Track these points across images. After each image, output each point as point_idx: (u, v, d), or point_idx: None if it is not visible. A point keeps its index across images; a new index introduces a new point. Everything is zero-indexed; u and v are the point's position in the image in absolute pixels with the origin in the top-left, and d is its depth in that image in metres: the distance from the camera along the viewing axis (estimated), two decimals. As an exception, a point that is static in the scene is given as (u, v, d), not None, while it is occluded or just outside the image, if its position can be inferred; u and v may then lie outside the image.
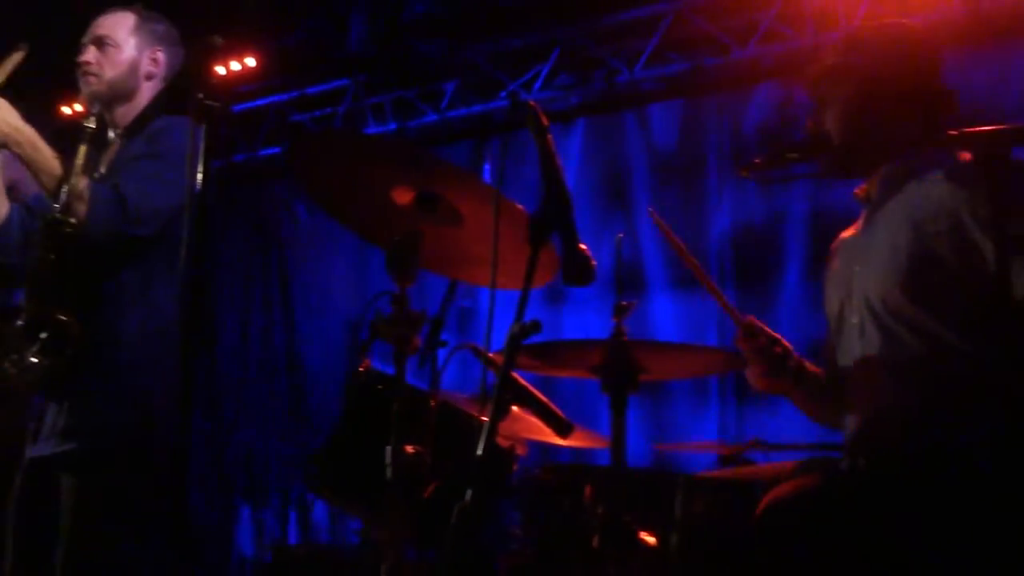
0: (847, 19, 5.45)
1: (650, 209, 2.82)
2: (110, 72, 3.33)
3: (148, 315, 3.08)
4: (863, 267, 2.52)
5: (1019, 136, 2.05)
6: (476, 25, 6.33)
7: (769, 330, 2.68)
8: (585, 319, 6.01)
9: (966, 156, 2.44)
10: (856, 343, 2.49)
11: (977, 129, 2.06)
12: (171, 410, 2.96)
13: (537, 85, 6.39)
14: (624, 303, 2.50)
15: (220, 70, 6.79)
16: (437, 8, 6.34)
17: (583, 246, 2.15)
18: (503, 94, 6.48)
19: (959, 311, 2.32)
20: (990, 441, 2.16)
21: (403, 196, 2.60)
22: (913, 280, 2.36)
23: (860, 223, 2.66)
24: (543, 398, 2.62)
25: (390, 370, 2.67)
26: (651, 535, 2.42)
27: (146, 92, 3.39)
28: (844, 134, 2.55)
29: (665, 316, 5.94)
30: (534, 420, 2.84)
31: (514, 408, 3.00)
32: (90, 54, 3.34)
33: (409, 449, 2.52)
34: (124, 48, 3.36)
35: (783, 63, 5.74)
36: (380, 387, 2.78)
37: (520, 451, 2.94)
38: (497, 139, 6.42)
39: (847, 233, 2.73)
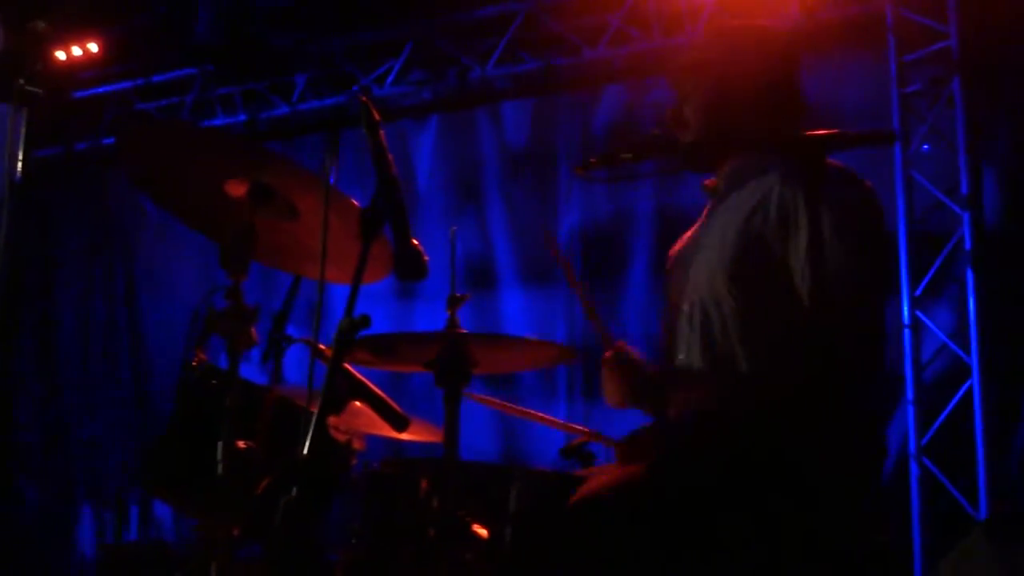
0: (692, 23, 5.62)
1: (546, 230, 2.83)
2: None
3: None
4: (697, 256, 2.59)
5: (835, 141, 2.15)
6: (328, 18, 6.27)
7: (638, 358, 2.72)
8: (436, 314, 6.01)
9: (792, 159, 2.52)
10: (685, 330, 2.56)
11: (797, 134, 2.16)
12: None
13: (390, 80, 6.37)
14: (458, 296, 2.52)
15: (60, 55, 6.58)
16: (289, -1, 6.27)
17: (415, 242, 2.16)
18: (355, 88, 6.44)
19: (778, 303, 2.41)
20: (796, 441, 2.26)
21: (236, 189, 2.57)
22: (736, 268, 2.44)
23: (704, 215, 2.73)
24: (379, 392, 2.62)
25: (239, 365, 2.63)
26: (484, 528, 2.44)
27: None
28: (701, 127, 2.61)
29: (515, 310, 6.01)
30: (374, 414, 2.84)
31: (357, 403, 2.99)
32: None
33: (241, 444, 2.49)
34: None
35: (631, 64, 5.88)
36: (214, 382, 2.74)
37: (357, 445, 2.93)
38: (348, 133, 6.35)
39: (694, 225, 2.79)
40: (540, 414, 3.09)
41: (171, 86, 6.94)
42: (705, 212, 2.74)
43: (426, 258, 2.19)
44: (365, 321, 2.09)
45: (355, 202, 2.54)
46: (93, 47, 6.65)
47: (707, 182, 2.74)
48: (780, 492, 2.22)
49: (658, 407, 2.66)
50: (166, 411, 6.79)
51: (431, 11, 6.19)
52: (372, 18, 6.29)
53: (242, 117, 6.79)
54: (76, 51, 6.67)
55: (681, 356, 2.60)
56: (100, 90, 7.03)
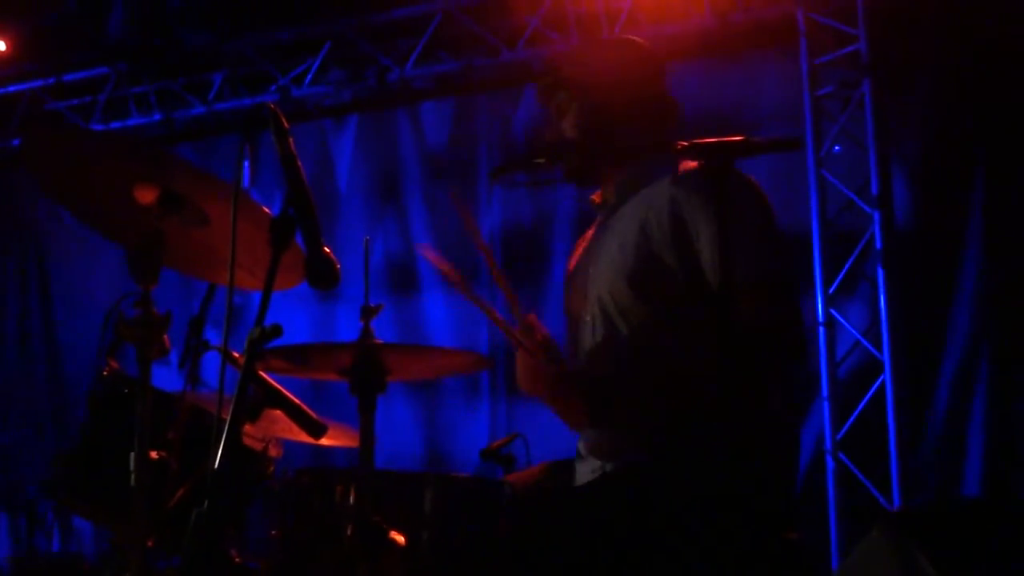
0: (609, 24, 5.66)
1: (453, 193, 2.81)
2: None
3: None
4: (595, 267, 2.62)
5: (742, 148, 2.19)
6: (245, 16, 6.19)
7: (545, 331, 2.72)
8: (358, 319, 5.98)
9: (688, 164, 2.57)
10: (589, 341, 2.59)
11: (704, 141, 2.18)
12: None
13: (308, 79, 6.32)
14: (372, 306, 2.51)
15: (-33, 52, 6.40)
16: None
17: (327, 249, 2.15)
18: (273, 88, 6.37)
19: (674, 305, 2.45)
20: (703, 442, 2.29)
21: (145, 195, 2.53)
22: (637, 276, 2.48)
23: (595, 228, 2.76)
24: (294, 399, 2.60)
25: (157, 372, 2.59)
26: (401, 534, 2.44)
27: None
28: (578, 142, 2.64)
29: (437, 313, 6.00)
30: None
31: (271, 410, 2.96)
32: None
33: (153, 455, 2.45)
34: None
35: (551, 64, 5.88)
36: (125, 390, 2.69)
37: (274, 452, 2.91)
38: (263, 135, 6.28)
39: (583, 241, 2.82)
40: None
41: (84, 85, 6.79)
42: (596, 225, 2.76)
43: (338, 265, 2.18)
44: (276, 330, 2.07)
45: (266, 209, 2.52)
46: (1, 45, 6.49)
47: (594, 196, 2.78)
48: (696, 492, 2.25)
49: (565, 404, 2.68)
50: (82, 418, 6.67)
51: (349, 10, 6.15)
52: (290, 17, 6.23)
53: (157, 117, 6.66)
54: (-16, 48, 6.50)
55: (583, 362, 2.63)
56: (9, 89, 6.85)
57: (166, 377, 3.02)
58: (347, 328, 6.06)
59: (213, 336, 3.04)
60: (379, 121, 6.41)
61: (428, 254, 2.82)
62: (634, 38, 2.84)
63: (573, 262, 2.82)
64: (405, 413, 5.77)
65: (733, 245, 2.24)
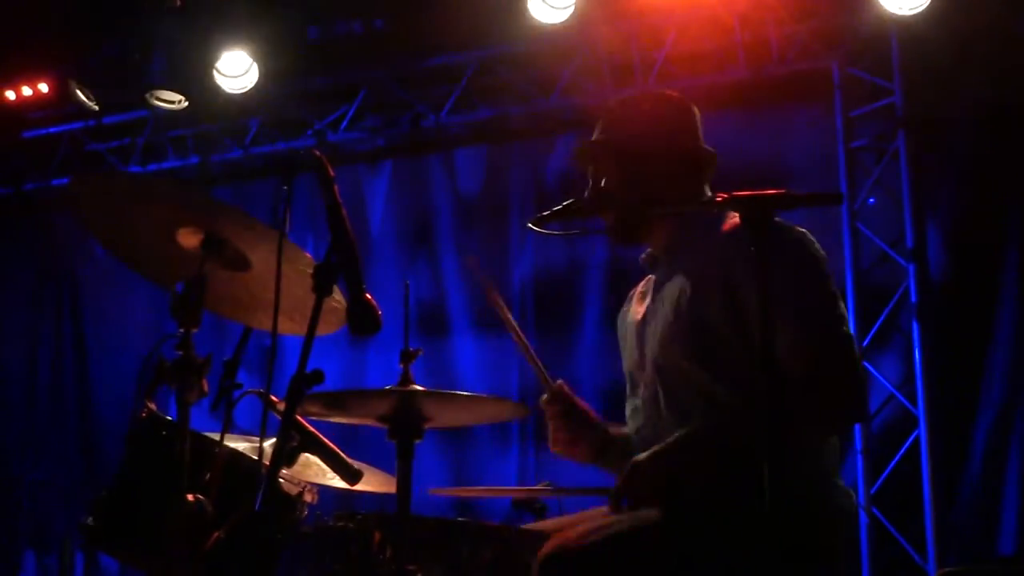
0: (643, 75, 5.70)
1: (470, 258, 2.85)
2: None
3: None
4: (651, 330, 2.62)
5: (781, 201, 2.19)
6: (283, 62, 6.27)
7: (578, 400, 2.73)
8: (390, 363, 5.97)
9: (735, 219, 2.57)
10: (647, 403, 2.59)
11: (744, 193, 2.18)
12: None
13: (343, 125, 6.38)
14: (412, 350, 2.52)
15: (10, 95, 6.51)
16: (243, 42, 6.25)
17: (369, 296, 2.16)
18: (309, 132, 6.44)
19: (732, 370, 2.43)
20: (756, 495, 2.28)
21: (189, 239, 2.55)
22: (692, 342, 2.47)
23: (649, 288, 2.76)
24: (331, 445, 2.60)
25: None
26: (437, 582, 2.43)
27: None
28: (618, 197, 2.65)
29: (467, 359, 6.00)
30: (327, 466, 2.82)
31: (306, 454, 2.96)
32: None
33: (191, 497, 2.46)
34: None
35: (584, 115, 5.93)
36: (163, 433, 2.70)
37: (309, 498, 2.90)
38: (300, 179, 6.34)
39: (638, 299, 2.80)
40: (502, 489, 3.05)
41: (123, 127, 6.89)
42: (652, 283, 2.76)
43: (379, 312, 2.19)
44: (318, 376, 2.09)
45: (309, 255, 2.54)
46: (44, 87, 6.60)
47: (643, 257, 2.78)
48: (757, 540, 2.23)
49: (601, 458, 2.68)
50: (112, 459, 6.70)
51: (385, 58, 6.22)
52: (327, 64, 6.31)
53: (194, 160, 6.75)
54: (26, 91, 6.61)
55: (646, 429, 2.61)
56: (51, 130, 6.95)
57: (197, 419, 3.02)
58: (377, 373, 6.08)
59: (243, 379, 3.05)
60: (413, 167, 6.47)
61: (472, 265, 2.82)
62: (669, 92, 2.85)
63: (633, 320, 2.80)
64: (433, 459, 5.76)
65: (785, 303, 2.23)
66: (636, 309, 2.77)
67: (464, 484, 5.70)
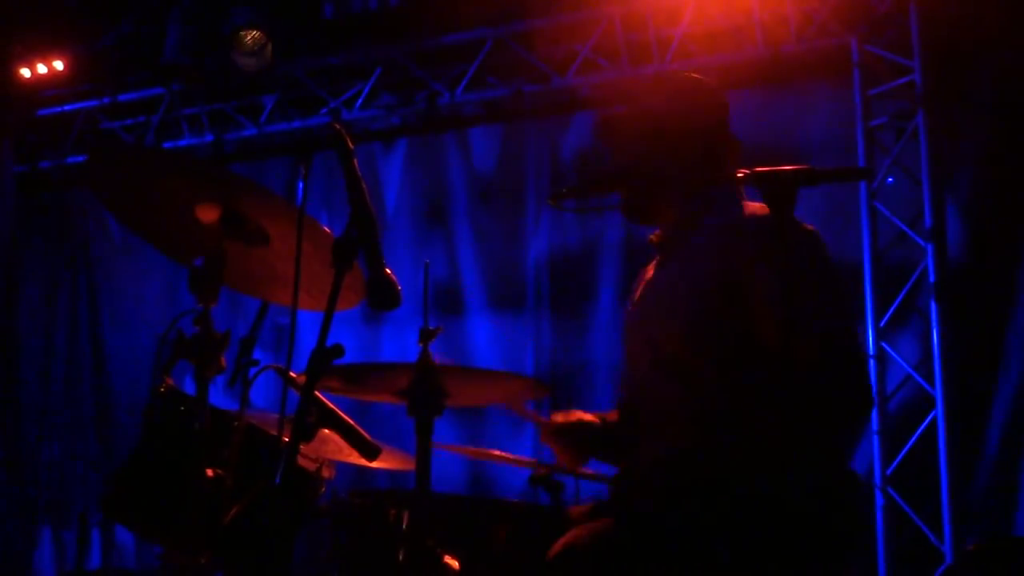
0: (660, 53, 5.66)
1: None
2: None
3: None
4: (650, 310, 2.61)
5: (807, 177, 2.16)
6: (297, 40, 6.26)
7: (571, 418, 2.75)
8: (403, 341, 6.01)
9: (749, 208, 2.55)
10: (644, 386, 2.58)
11: (768, 169, 2.16)
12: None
13: (358, 103, 6.36)
14: (431, 328, 2.50)
15: (25, 72, 6.51)
16: (258, 20, 6.23)
17: (388, 271, 2.15)
18: (324, 111, 6.43)
19: (723, 358, 2.42)
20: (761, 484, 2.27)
21: (208, 214, 2.54)
22: (689, 325, 2.45)
23: (654, 267, 2.74)
24: (350, 421, 2.60)
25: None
26: (455, 559, 2.42)
27: None
28: (637, 177, 2.63)
29: (482, 337, 6.00)
30: (344, 442, 2.81)
31: (323, 430, 2.96)
32: None
33: (209, 472, 2.46)
34: None
35: (600, 93, 5.91)
36: (181, 408, 2.70)
37: (327, 473, 2.90)
38: (316, 156, 6.34)
39: (643, 279, 2.80)
40: (508, 456, 3.10)
41: (138, 105, 6.89)
42: (656, 263, 2.74)
43: (399, 287, 2.17)
44: (338, 350, 2.08)
45: (327, 230, 2.52)
46: (59, 65, 6.60)
47: (652, 236, 2.76)
48: (763, 534, 2.22)
49: (615, 457, 2.70)
50: (128, 436, 6.74)
51: (400, 36, 6.20)
52: (341, 41, 6.29)
53: (209, 138, 6.74)
54: (41, 68, 6.61)
55: (646, 409, 2.61)
56: (66, 108, 6.95)
57: (212, 396, 3.03)
58: (391, 350, 6.08)
59: (256, 356, 3.04)
60: (428, 145, 6.44)
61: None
62: (698, 75, 2.82)
63: (633, 300, 2.80)
64: (448, 436, 5.76)
65: (794, 297, 2.21)
66: (639, 290, 2.76)
67: (480, 463, 5.70)
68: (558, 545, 2.27)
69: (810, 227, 2.46)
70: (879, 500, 4.95)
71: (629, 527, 2.30)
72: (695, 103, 2.69)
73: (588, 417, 2.78)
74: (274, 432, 2.75)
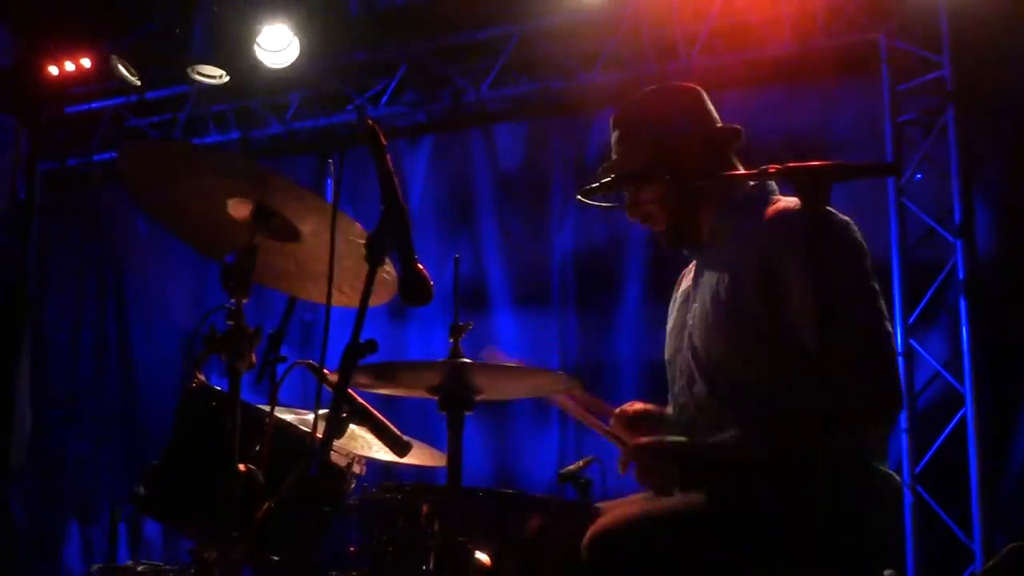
0: (686, 49, 5.64)
1: (563, 398, 2.86)
2: None
3: None
4: (691, 321, 2.62)
5: (838, 173, 2.15)
6: (323, 37, 6.27)
7: (638, 408, 2.72)
8: (429, 337, 6.01)
9: (779, 205, 2.55)
10: (685, 390, 2.59)
11: (799, 164, 2.15)
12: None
13: (384, 100, 6.37)
14: (461, 324, 2.51)
15: (53, 70, 6.55)
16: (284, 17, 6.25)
17: (421, 266, 2.15)
18: (349, 108, 6.44)
19: (768, 360, 2.41)
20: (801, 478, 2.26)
21: (239, 210, 2.55)
22: (729, 332, 2.46)
23: (693, 273, 2.75)
24: (381, 417, 2.61)
25: (226, 386, 2.61)
26: (486, 554, 2.42)
27: None
28: (662, 171, 2.63)
29: (508, 334, 5.99)
30: (372, 438, 2.82)
31: (352, 426, 2.97)
32: None
33: (242, 467, 2.47)
34: None
35: (626, 89, 5.88)
36: (213, 403, 2.71)
37: (357, 469, 2.91)
38: (337, 154, 6.36)
39: (683, 284, 2.80)
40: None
41: (164, 103, 6.92)
42: (695, 267, 2.75)
43: (431, 283, 2.18)
44: (372, 346, 2.08)
45: (359, 225, 2.53)
46: (86, 63, 6.64)
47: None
48: (788, 529, 2.21)
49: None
50: (153, 431, 6.77)
51: (426, 33, 6.20)
52: (367, 38, 6.29)
53: (235, 135, 6.77)
54: (69, 66, 6.65)
55: (684, 415, 2.61)
56: (92, 106, 6.99)
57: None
58: (416, 348, 6.09)
59: (284, 351, 3.05)
60: (453, 142, 6.44)
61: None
62: (671, 83, 2.85)
63: (673, 309, 2.81)
64: (474, 433, 5.77)
65: (829, 298, 2.20)
66: (679, 296, 2.77)
67: (505, 459, 5.71)
68: (592, 530, 2.27)
69: (844, 218, 2.45)
70: (908, 498, 4.92)
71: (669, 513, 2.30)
72: (683, 108, 2.73)
73: (652, 408, 2.77)
74: (304, 428, 2.76)
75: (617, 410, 2.77)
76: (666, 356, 2.77)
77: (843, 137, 5.45)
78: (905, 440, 4.98)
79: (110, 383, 7.13)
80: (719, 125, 2.72)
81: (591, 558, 2.26)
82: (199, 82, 6.17)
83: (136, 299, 7.20)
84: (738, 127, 2.71)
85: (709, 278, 2.60)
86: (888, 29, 5.33)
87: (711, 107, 2.77)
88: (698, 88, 2.80)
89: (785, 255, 2.38)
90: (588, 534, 2.30)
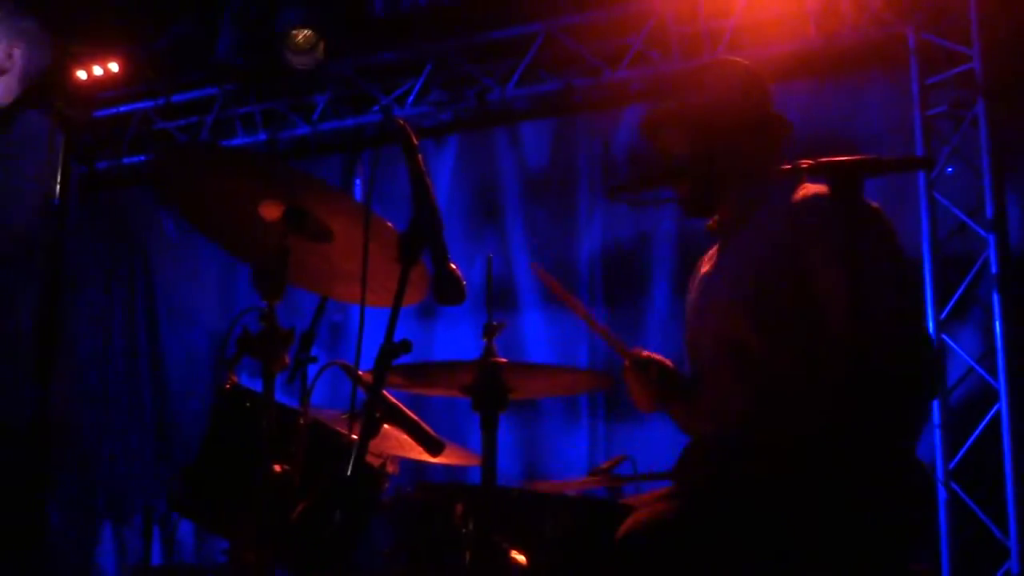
0: (712, 44, 5.62)
1: (534, 264, 2.83)
2: None
3: (11, 338, 2.97)
4: (713, 298, 2.60)
5: (871, 167, 2.14)
6: (348, 38, 6.29)
7: (656, 356, 2.73)
8: (457, 335, 6.02)
9: (808, 189, 2.53)
10: (707, 374, 2.57)
11: (832, 159, 2.14)
12: (27, 424, 2.86)
13: (410, 100, 6.38)
14: (495, 323, 2.51)
15: (81, 74, 6.60)
16: (309, 19, 6.27)
17: (453, 265, 2.15)
18: (376, 108, 6.45)
19: (793, 341, 2.40)
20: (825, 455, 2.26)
21: (271, 211, 2.56)
22: (754, 312, 2.44)
23: (714, 255, 2.73)
24: (414, 416, 2.61)
25: (258, 386, 2.62)
26: (522, 553, 2.42)
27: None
28: (694, 171, 2.62)
29: (536, 333, 5.99)
30: (404, 437, 2.83)
31: (385, 426, 2.97)
32: None
33: (277, 468, 2.48)
34: None
35: (652, 86, 5.87)
36: (247, 404, 2.72)
37: (391, 469, 2.91)
38: (370, 153, 6.38)
39: (704, 266, 2.79)
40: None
41: (191, 105, 6.96)
42: (716, 250, 2.73)
43: (464, 282, 2.18)
44: (406, 346, 2.09)
45: (391, 225, 2.53)
46: (114, 67, 6.68)
47: (709, 223, 2.75)
48: (829, 519, 2.20)
49: (688, 404, 2.66)
50: (184, 432, 6.80)
51: (451, 31, 6.20)
52: (392, 38, 6.30)
53: (262, 136, 6.80)
54: (97, 71, 6.70)
55: (710, 395, 2.60)
56: (121, 109, 7.04)
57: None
58: (444, 347, 6.09)
59: (314, 352, 3.06)
60: (479, 141, 6.44)
61: (540, 273, 2.82)
62: (737, 59, 2.80)
63: (693, 289, 2.79)
64: (503, 431, 5.76)
65: (860, 280, 2.19)
66: (699, 278, 2.75)
67: (535, 457, 5.71)
68: (624, 527, 2.27)
69: (875, 204, 2.44)
70: (942, 495, 4.88)
71: (692, 507, 2.29)
72: (741, 90, 2.68)
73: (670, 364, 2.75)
74: (337, 428, 2.77)
75: (636, 353, 2.73)
76: (686, 338, 2.75)
77: (871, 132, 5.41)
78: (939, 436, 4.94)
79: (141, 384, 7.18)
80: (772, 112, 2.68)
81: (623, 555, 2.26)
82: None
83: (165, 301, 7.24)
84: (787, 119, 2.67)
85: (733, 258, 2.58)
86: (916, 22, 5.28)
87: (767, 89, 2.71)
88: (755, 68, 2.74)
89: (814, 238, 2.37)
90: (619, 531, 2.30)
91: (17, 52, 3.28)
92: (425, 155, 6.90)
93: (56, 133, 2.58)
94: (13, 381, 2.99)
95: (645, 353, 2.73)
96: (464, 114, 6.41)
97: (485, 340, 2.50)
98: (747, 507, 2.30)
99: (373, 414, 2.09)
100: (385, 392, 2.55)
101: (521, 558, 2.38)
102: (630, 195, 2.85)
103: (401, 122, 2.21)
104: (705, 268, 2.76)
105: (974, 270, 5.03)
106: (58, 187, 2.33)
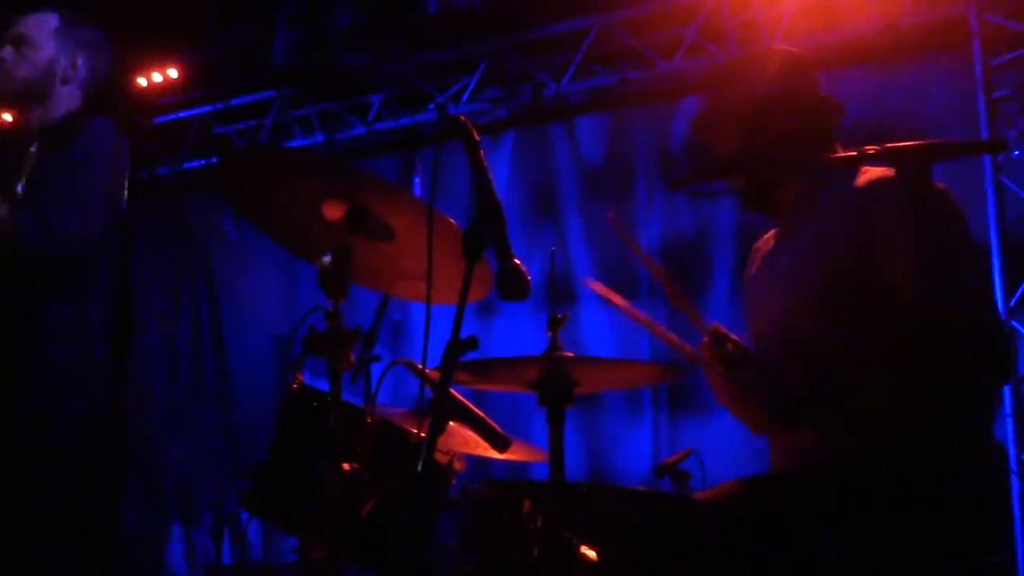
0: (769, 33, 5.55)
1: (587, 278, 2.79)
2: (22, 71, 3.25)
3: (84, 341, 3.03)
4: (776, 284, 2.56)
5: (939, 152, 2.11)
6: (403, 37, 6.32)
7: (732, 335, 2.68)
8: (517, 331, 6.01)
9: (872, 173, 2.49)
10: (772, 356, 2.54)
11: (899, 144, 2.11)
12: (103, 429, 2.91)
13: (464, 98, 6.39)
14: (559, 316, 2.50)
15: (141, 81, 6.69)
16: (363, 20, 6.31)
17: (517, 260, 2.15)
18: (431, 107, 6.47)
19: (862, 325, 2.36)
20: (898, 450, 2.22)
21: (333, 211, 2.58)
22: (820, 294, 2.41)
23: (774, 237, 2.69)
24: (480, 413, 2.62)
25: (322, 385, 2.64)
26: (592, 549, 2.41)
27: (64, 97, 3.31)
28: (750, 162, 2.59)
29: (596, 327, 5.96)
30: (470, 434, 2.83)
31: (450, 423, 2.98)
32: (5, 52, 3.27)
33: (346, 466, 2.49)
34: (42, 49, 3.29)
35: (708, 77, 5.82)
36: (315, 404, 2.74)
37: (458, 466, 2.92)
38: (427, 152, 6.41)
39: (764, 245, 2.75)
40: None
41: (249, 109, 7.03)
42: (777, 233, 2.69)
43: (528, 277, 2.18)
44: (473, 343, 2.09)
45: (453, 221, 2.54)
46: (173, 72, 6.76)
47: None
48: (906, 508, 2.17)
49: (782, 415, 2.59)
50: (249, 432, 6.88)
51: (505, 28, 6.20)
52: (446, 37, 6.32)
53: (319, 138, 6.86)
54: (156, 77, 6.79)
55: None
56: (180, 115, 7.14)
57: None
58: (503, 342, 6.09)
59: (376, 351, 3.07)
60: (535, 137, 6.44)
61: (595, 286, 2.79)
62: (781, 47, 2.78)
63: (752, 274, 2.76)
64: (567, 428, 5.75)
65: (932, 259, 2.16)
66: (760, 266, 2.71)
67: (599, 453, 5.69)
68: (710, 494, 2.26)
69: (942, 185, 2.40)
70: (1015, 485, 4.78)
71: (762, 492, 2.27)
72: (788, 76, 2.64)
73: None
74: (403, 426, 2.78)
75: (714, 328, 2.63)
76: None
77: (935, 116, 5.31)
78: (1011, 425, 4.84)
79: (207, 386, 7.28)
80: (822, 96, 2.64)
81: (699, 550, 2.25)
82: None
83: (228, 303, 7.34)
84: (839, 102, 2.64)
85: (797, 244, 2.55)
86: (978, 3, 5.17)
87: (815, 73, 2.68)
88: (801, 54, 2.71)
89: (885, 220, 2.34)
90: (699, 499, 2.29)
91: (80, 61, 3.33)
92: (484, 153, 6.89)
93: (121, 140, 2.59)
94: (86, 379, 3.04)
95: (723, 329, 2.65)
96: (519, 110, 6.41)
97: (550, 334, 2.49)
98: (829, 487, 2.27)
99: (440, 411, 2.09)
100: (451, 389, 2.55)
101: (591, 553, 2.36)
102: (690, 187, 2.83)
103: (462, 118, 2.21)
104: (763, 255, 2.72)
105: (1044, 256, 4.93)
106: (125, 193, 2.36)
